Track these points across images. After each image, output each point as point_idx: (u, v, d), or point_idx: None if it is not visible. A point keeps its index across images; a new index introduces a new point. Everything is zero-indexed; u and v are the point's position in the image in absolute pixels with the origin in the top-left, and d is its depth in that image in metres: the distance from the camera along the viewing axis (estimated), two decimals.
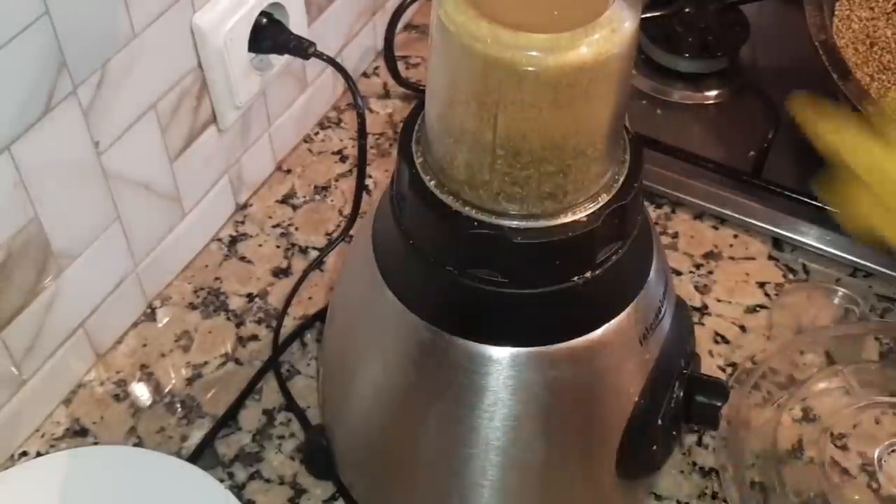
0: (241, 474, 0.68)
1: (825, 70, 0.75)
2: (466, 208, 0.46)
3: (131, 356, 0.73)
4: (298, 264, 0.79)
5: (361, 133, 0.73)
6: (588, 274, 0.48)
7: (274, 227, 0.81)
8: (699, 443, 0.69)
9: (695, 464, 0.68)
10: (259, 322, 0.75)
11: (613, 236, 0.49)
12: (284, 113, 0.83)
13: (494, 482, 0.53)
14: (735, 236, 0.81)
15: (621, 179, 0.48)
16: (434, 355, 0.48)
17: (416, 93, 0.90)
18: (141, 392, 0.72)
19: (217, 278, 0.78)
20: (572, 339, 0.50)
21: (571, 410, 0.49)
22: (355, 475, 0.64)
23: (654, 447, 0.56)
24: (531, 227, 0.45)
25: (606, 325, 0.50)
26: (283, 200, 0.83)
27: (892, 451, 0.68)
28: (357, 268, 0.55)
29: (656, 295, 0.54)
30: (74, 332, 0.69)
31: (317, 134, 0.88)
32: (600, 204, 0.47)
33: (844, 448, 0.68)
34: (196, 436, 0.69)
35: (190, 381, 0.72)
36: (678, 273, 0.78)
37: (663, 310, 0.54)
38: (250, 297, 0.77)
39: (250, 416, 0.70)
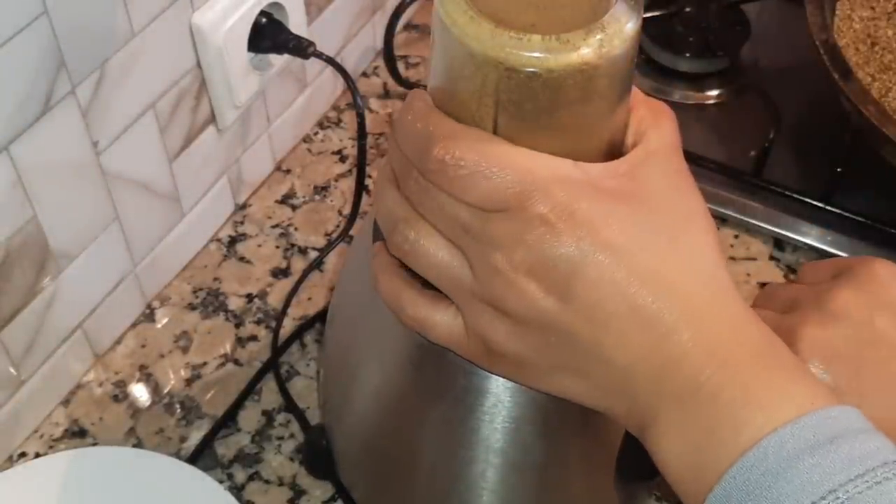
0: (240, 475, 0.67)
1: (826, 70, 0.75)
2: None
3: (130, 357, 0.73)
4: (298, 264, 0.79)
5: (361, 133, 0.73)
6: None
7: (273, 227, 0.81)
8: None
9: None
10: (258, 323, 0.75)
11: None
12: (284, 113, 0.83)
13: (494, 484, 0.53)
14: (736, 236, 0.81)
15: None
16: (434, 356, 0.48)
17: None
18: (140, 393, 0.71)
19: (216, 279, 0.78)
20: None
21: (571, 412, 0.48)
22: (356, 476, 0.64)
23: None
24: None
25: None
26: (283, 200, 0.83)
27: None
28: (357, 268, 0.55)
29: None
30: (73, 333, 0.69)
31: (316, 134, 0.88)
32: None
33: None
34: (195, 437, 0.69)
35: (189, 381, 0.72)
36: None
37: None
38: (249, 297, 0.77)
39: (249, 417, 0.70)
